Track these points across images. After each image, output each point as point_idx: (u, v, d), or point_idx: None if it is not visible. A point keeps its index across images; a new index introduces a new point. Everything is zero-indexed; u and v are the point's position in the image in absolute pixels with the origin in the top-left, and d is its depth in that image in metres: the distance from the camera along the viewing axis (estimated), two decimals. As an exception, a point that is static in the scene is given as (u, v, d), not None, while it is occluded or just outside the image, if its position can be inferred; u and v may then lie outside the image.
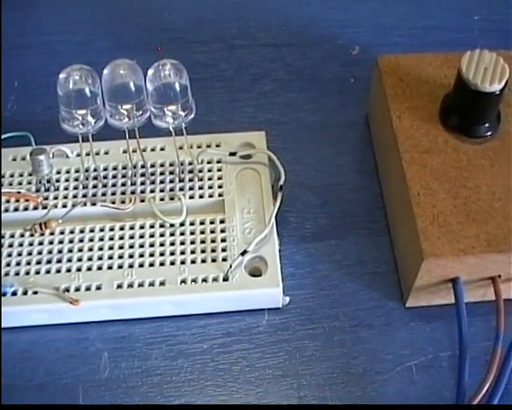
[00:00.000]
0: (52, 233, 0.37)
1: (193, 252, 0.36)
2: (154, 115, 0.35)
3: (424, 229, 0.34)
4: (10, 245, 0.37)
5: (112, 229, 0.37)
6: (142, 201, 0.38)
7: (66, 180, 0.39)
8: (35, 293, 0.35)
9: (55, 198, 0.38)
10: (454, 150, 0.36)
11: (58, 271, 0.36)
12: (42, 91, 0.45)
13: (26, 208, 0.38)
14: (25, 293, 0.35)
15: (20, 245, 0.37)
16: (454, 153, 0.36)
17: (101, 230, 0.37)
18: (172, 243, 0.36)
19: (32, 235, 0.37)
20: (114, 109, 0.35)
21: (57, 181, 0.39)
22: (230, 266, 0.35)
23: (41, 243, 0.37)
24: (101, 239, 0.37)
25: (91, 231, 0.37)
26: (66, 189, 0.38)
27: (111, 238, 0.37)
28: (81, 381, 0.35)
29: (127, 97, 0.35)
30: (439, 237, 0.33)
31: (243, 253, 0.35)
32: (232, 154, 0.39)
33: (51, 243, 0.37)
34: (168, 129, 0.36)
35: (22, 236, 0.37)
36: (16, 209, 0.38)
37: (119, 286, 0.35)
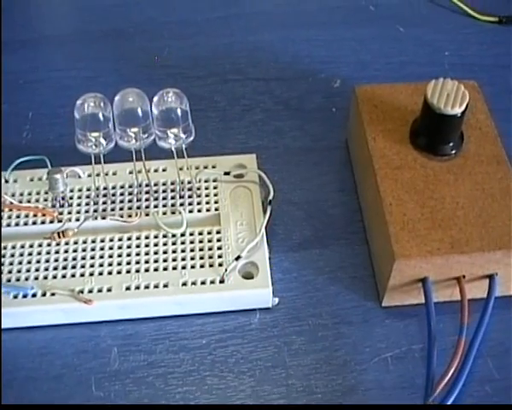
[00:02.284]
0: (67, 243, 0.41)
1: (192, 258, 0.41)
2: (158, 137, 0.40)
3: (395, 234, 0.38)
4: (30, 254, 0.41)
5: (120, 239, 0.42)
6: (147, 215, 0.42)
7: (79, 197, 0.43)
8: (53, 295, 0.39)
9: (69, 213, 0.43)
10: (422, 167, 0.41)
11: (73, 275, 0.40)
12: (54, 121, 0.50)
13: (43, 222, 0.42)
14: (43, 295, 0.39)
15: (39, 254, 0.41)
16: (422, 169, 0.41)
17: (111, 240, 0.41)
18: (174, 251, 0.41)
19: (49, 245, 0.41)
20: (124, 132, 0.40)
21: (71, 198, 0.43)
22: (226, 270, 0.40)
23: (57, 252, 0.41)
24: (111, 248, 0.41)
25: (102, 241, 0.41)
26: (78, 205, 0.43)
27: (119, 247, 0.41)
28: (93, 372, 0.39)
29: (135, 121, 0.39)
30: (408, 241, 0.38)
31: (237, 258, 0.40)
32: (226, 173, 0.44)
33: (66, 251, 0.41)
34: (170, 150, 0.41)
35: (40, 245, 0.41)
36: (34, 223, 0.42)
37: (128, 288, 0.39)
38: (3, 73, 0.53)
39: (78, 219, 0.42)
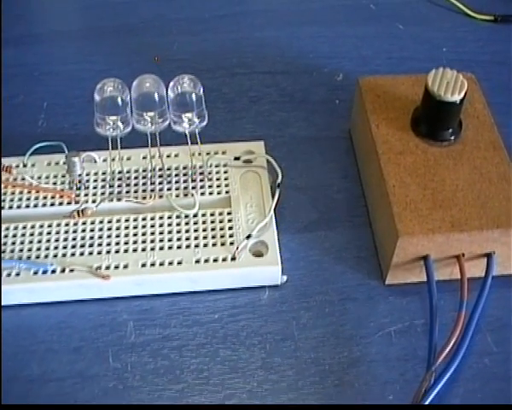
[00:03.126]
0: (84, 223, 0.43)
1: (205, 237, 0.43)
2: (173, 121, 0.42)
3: (399, 213, 0.40)
4: (48, 233, 0.43)
5: (135, 220, 0.43)
6: (161, 197, 0.44)
7: (95, 181, 0.45)
8: (71, 271, 0.41)
9: (86, 195, 0.45)
10: (423, 152, 0.44)
11: (90, 253, 0.42)
12: (68, 111, 0.52)
13: (60, 203, 0.44)
14: (62, 271, 0.41)
15: (57, 233, 0.43)
16: (423, 154, 0.43)
17: (127, 220, 0.43)
18: (187, 231, 0.43)
19: (67, 224, 0.43)
20: (140, 116, 0.42)
21: (87, 181, 0.45)
22: (237, 248, 0.42)
23: (75, 232, 0.43)
24: (127, 228, 0.43)
25: (118, 221, 0.43)
26: (94, 187, 0.45)
27: (135, 227, 0.43)
28: (110, 345, 0.41)
29: (151, 106, 0.41)
30: (411, 220, 0.40)
31: (248, 237, 0.42)
32: (236, 158, 0.46)
33: (84, 231, 0.43)
34: (184, 134, 0.43)
35: (59, 225, 0.43)
36: (52, 204, 0.44)
37: (143, 265, 0.41)
38: (18, 66, 0.55)
39: (94, 201, 0.44)
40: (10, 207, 0.44)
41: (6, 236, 0.43)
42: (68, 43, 0.58)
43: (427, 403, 0.37)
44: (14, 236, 0.43)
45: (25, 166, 0.46)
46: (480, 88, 0.47)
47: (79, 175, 0.44)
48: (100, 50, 0.57)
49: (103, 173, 0.46)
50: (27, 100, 0.53)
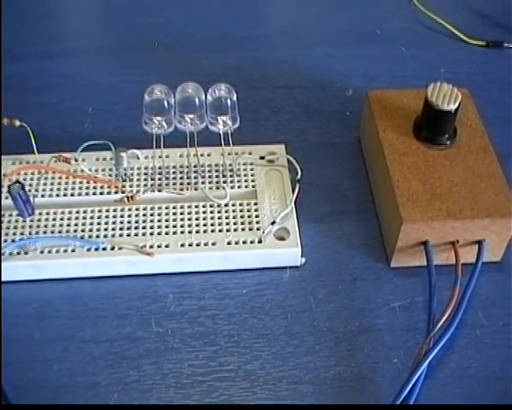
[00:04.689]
0: (130, 209, 0.50)
1: (235, 223, 0.49)
2: (210, 123, 0.49)
3: (402, 204, 0.47)
4: (99, 217, 0.49)
5: (174, 207, 0.50)
6: (196, 189, 0.51)
7: (138, 174, 0.52)
8: (120, 249, 0.48)
9: (131, 186, 0.51)
10: (423, 154, 0.50)
11: (136, 234, 0.48)
12: (110, 115, 0.59)
13: (109, 192, 0.51)
14: (112, 249, 0.48)
15: (106, 217, 0.49)
16: (423, 155, 0.50)
17: (167, 208, 0.50)
18: (219, 218, 0.49)
19: (114, 210, 0.50)
20: (182, 117, 0.49)
21: (131, 174, 0.52)
22: (263, 232, 0.48)
23: (122, 216, 0.50)
24: (167, 214, 0.50)
25: (159, 208, 0.50)
26: (138, 180, 0.52)
27: (174, 213, 0.50)
28: (153, 313, 0.47)
29: (192, 109, 0.48)
30: (413, 209, 0.47)
31: (272, 223, 0.49)
32: (261, 158, 0.53)
33: (130, 216, 0.50)
34: (218, 134, 0.50)
35: (107, 211, 0.50)
36: (101, 193, 0.51)
37: (182, 245, 0.48)
38: (66, 75, 0.62)
39: (138, 192, 0.51)
40: (72, 195, 0.51)
41: (62, 218, 0.49)
42: (109, 57, 0.65)
43: (426, 362, 0.43)
44: (69, 219, 0.49)
45: (76, 160, 0.53)
46: (472, 102, 0.54)
47: (125, 169, 0.51)
48: (137, 64, 0.64)
49: (145, 168, 0.52)
50: (74, 105, 0.60)
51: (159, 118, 0.48)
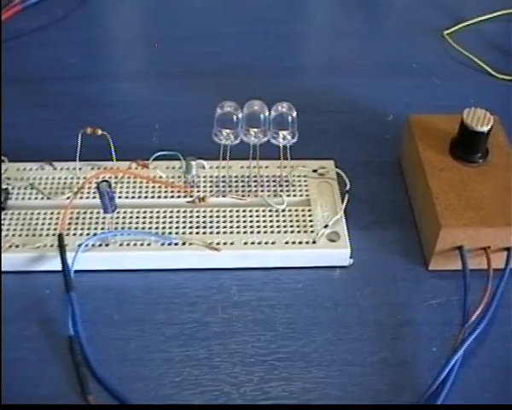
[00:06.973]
0: (198, 211, 0.56)
1: (291, 226, 0.56)
2: (272, 137, 0.56)
3: (441, 211, 0.53)
4: (171, 217, 0.56)
5: (238, 211, 0.57)
6: (256, 196, 0.58)
7: (204, 181, 0.59)
8: (190, 244, 0.54)
9: (198, 191, 0.58)
10: (458, 170, 0.57)
11: (204, 233, 0.55)
12: (174, 131, 0.66)
13: (178, 196, 0.58)
14: (183, 244, 0.54)
15: (177, 217, 0.56)
16: (458, 172, 0.57)
17: (231, 211, 0.57)
18: (278, 221, 0.56)
19: (184, 211, 0.56)
20: (247, 131, 0.55)
21: (198, 182, 0.59)
22: (317, 234, 0.55)
23: (191, 217, 0.56)
24: (231, 216, 0.56)
25: (224, 211, 0.57)
26: (204, 187, 0.58)
27: (237, 216, 0.56)
28: (219, 302, 0.53)
29: (257, 123, 0.55)
30: (450, 216, 0.53)
31: (325, 226, 0.55)
32: (314, 171, 0.60)
33: (198, 216, 0.56)
34: (278, 147, 0.57)
35: (178, 211, 0.56)
36: (172, 196, 0.58)
37: (245, 243, 0.54)
38: (133, 95, 0.70)
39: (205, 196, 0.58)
40: (152, 197, 0.58)
41: (138, 217, 0.56)
42: (171, 81, 0.72)
43: (461, 350, 0.49)
44: (145, 217, 0.56)
45: (148, 168, 0.59)
46: (502, 127, 0.61)
47: (192, 176, 0.58)
48: (195, 87, 0.71)
49: (210, 176, 0.59)
50: (142, 122, 0.67)
51: (227, 130, 0.55)
